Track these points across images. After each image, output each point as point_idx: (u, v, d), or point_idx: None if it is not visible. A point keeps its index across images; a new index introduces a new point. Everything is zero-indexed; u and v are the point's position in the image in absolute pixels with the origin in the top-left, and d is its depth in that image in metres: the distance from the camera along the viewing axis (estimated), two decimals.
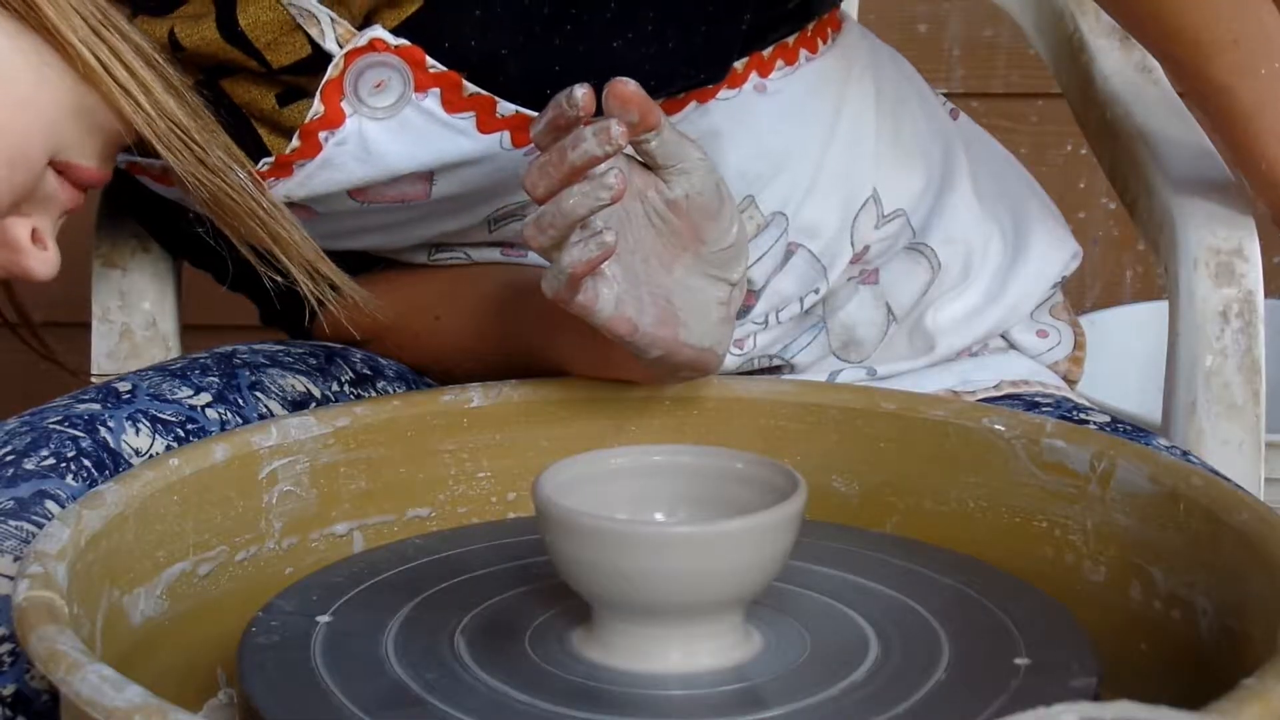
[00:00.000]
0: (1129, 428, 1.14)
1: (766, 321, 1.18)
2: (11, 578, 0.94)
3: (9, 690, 0.95)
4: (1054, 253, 1.25)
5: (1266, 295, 1.27)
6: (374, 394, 1.16)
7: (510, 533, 1.01)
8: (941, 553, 0.98)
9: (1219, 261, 1.26)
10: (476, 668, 0.86)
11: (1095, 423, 1.15)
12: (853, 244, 1.19)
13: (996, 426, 1.01)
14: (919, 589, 0.94)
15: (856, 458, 1.05)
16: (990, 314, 1.23)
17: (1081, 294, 2.04)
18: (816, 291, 1.18)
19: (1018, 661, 0.86)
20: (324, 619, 0.91)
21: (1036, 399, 1.19)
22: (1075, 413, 1.16)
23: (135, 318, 1.28)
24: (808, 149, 1.17)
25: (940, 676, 0.85)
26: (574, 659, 0.87)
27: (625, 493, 0.91)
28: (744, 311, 1.17)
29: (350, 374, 1.17)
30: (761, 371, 1.21)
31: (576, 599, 0.88)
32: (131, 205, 1.25)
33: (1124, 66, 1.42)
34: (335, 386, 1.15)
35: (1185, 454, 1.11)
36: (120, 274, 1.28)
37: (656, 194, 0.99)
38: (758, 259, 1.16)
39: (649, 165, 0.99)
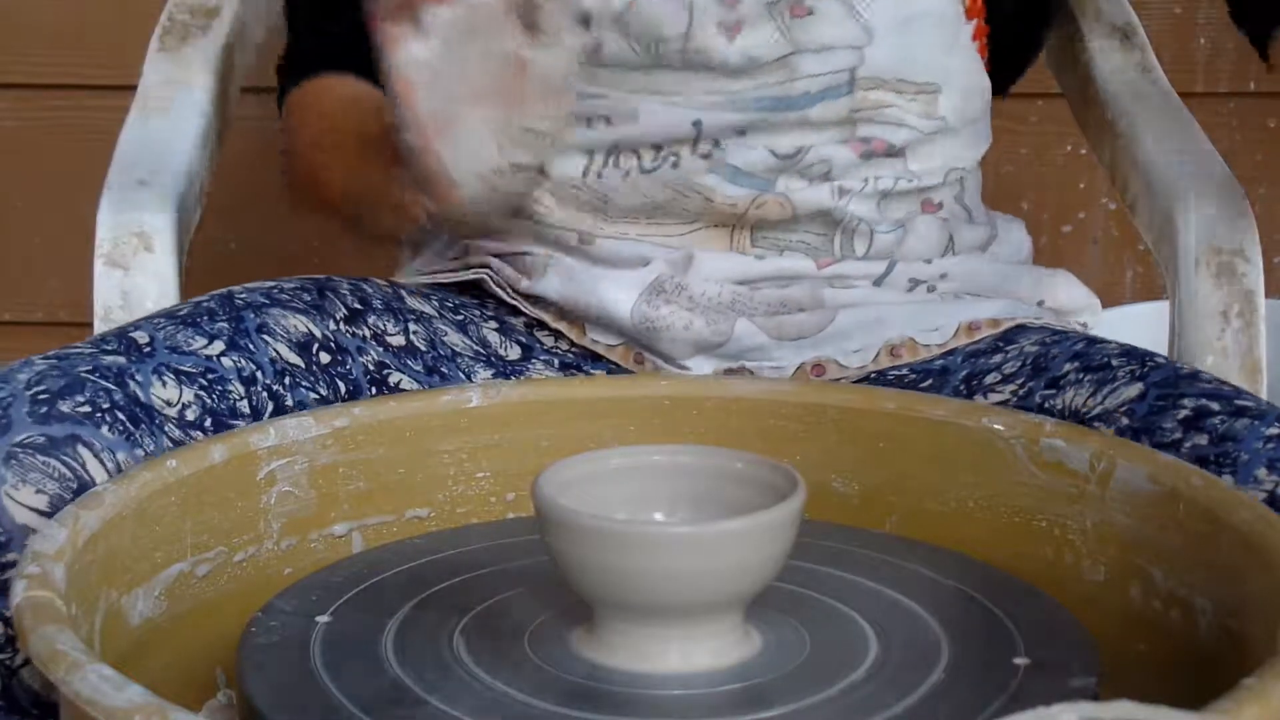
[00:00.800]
0: (1151, 355, 1.16)
1: (864, 189, 1.21)
2: (35, 509, 0.95)
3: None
4: (1078, 292, 1.32)
5: (1266, 295, 1.27)
6: (365, 329, 1.17)
7: (510, 533, 1.01)
8: (941, 553, 0.98)
9: (1219, 261, 1.26)
10: (476, 668, 0.86)
11: (1116, 342, 1.17)
12: (944, 179, 1.25)
13: (996, 426, 1.01)
14: (919, 589, 0.93)
15: (856, 457, 1.05)
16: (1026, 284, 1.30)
17: None
18: (907, 178, 1.23)
19: (1017, 661, 0.86)
20: (323, 619, 0.91)
21: (1066, 330, 1.23)
22: (1098, 339, 1.18)
23: (137, 318, 1.28)
24: (979, 100, 1.25)
25: (940, 676, 0.85)
26: (574, 659, 0.87)
27: (625, 493, 0.91)
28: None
29: (343, 309, 1.18)
30: (844, 232, 1.23)
31: (576, 599, 0.88)
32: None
33: (1124, 66, 1.42)
34: (332, 325, 1.16)
35: (1219, 381, 1.12)
36: (122, 274, 1.28)
37: (514, 45, 1.01)
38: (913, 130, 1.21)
39: (528, 26, 1.01)
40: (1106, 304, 1.94)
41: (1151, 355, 1.14)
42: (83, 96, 1.94)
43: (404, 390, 1.14)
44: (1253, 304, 1.25)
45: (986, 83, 1.28)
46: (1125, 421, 1.06)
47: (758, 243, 1.22)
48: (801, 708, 0.83)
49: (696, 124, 1.20)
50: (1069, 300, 1.31)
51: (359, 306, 1.19)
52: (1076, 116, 1.48)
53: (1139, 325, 1.84)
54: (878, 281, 1.23)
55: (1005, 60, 1.31)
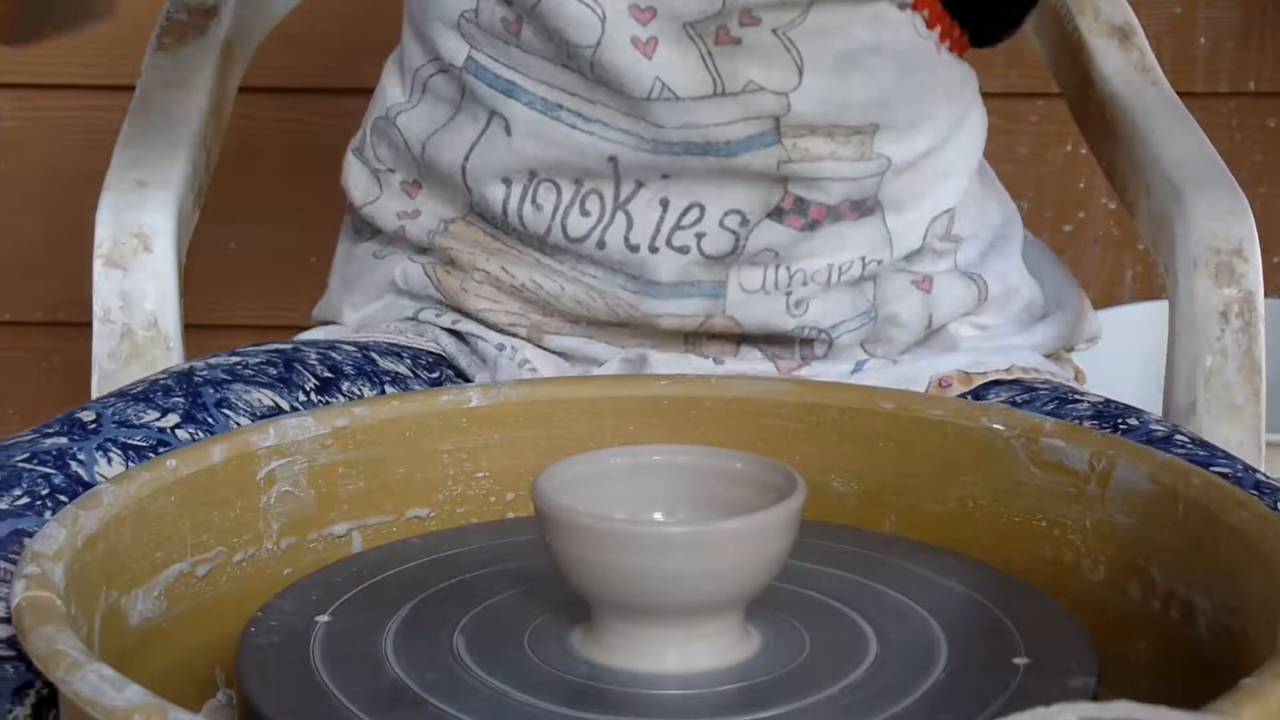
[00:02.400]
0: (1121, 407, 1.15)
1: (829, 280, 1.17)
2: None
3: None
4: (1081, 324, 1.29)
5: (1266, 295, 1.27)
6: (340, 397, 1.16)
7: (510, 533, 1.01)
8: (941, 553, 0.98)
9: (1219, 261, 1.26)
10: (476, 668, 0.86)
11: (1089, 401, 1.15)
12: (924, 238, 1.20)
13: (995, 426, 1.01)
14: (918, 589, 0.93)
15: (855, 457, 1.05)
16: (1010, 341, 1.25)
17: None
18: (879, 262, 1.18)
19: (1017, 661, 0.86)
20: (323, 619, 0.91)
21: (1036, 385, 1.20)
22: (1071, 395, 1.17)
23: (136, 318, 1.28)
24: (939, 126, 1.19)
25: (939, 676, 0.85)
26: (574, 659, 0.87)
27: (625, 493, 0.91)
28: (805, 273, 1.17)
29: (313, 380, 1.16)
30: (803, 343, 1.20)
31: (576, 599, 0.88)
32: None
33: (1124, 66, 1.42)
34: (301, 396, 1.14)
35: (1176, 429, 1.11)
36: (122, 274, 1.28)
37: None
38: (850, 180, 1.16)
39: None
40: (1107, 304, 1.94)
41: (1126, 416, 1.12)
42: (83, 96, 1.95)
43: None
44: (1252, 304, 1.25)
45: (963, 87, 1.23)
46: None
47: (711, 352, 1.20)
48: (801, 708, 0.83)
49: (612, 160, 1.14)
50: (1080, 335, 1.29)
51: (330, 375, 1.17)
52: (1076, 117, 1.48)
53: (1139, 325, 1.85)
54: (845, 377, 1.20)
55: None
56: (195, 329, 1.38)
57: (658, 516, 0.91)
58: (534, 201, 1.17)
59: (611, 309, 1.18)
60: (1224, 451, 1.09)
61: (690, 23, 1.10)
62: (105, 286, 1.29)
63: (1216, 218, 1.27)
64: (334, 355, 1.19)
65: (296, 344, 1.20)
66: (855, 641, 0.88)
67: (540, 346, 1.21)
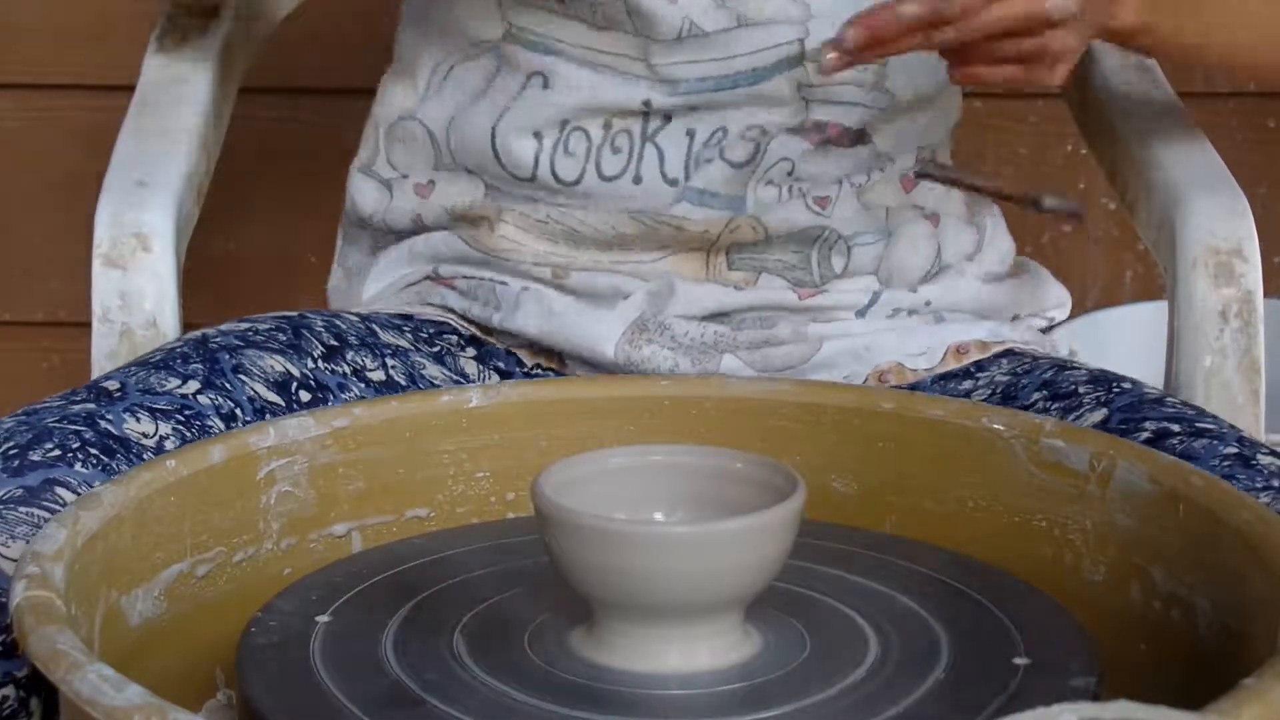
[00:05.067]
0: (1115, 375, 1.16)
1: (840, 192, 1.21)
2: None
3: (23, 673, 0.96)
4: (1055, 293, 1.32)
5: (1266, 295, 1.27)
6: (345, 366, 1.16)
7: (510, 533, 1.01)
8: (941, 553, 0.98)
9: (1218, 261, 1.26)
10: (476, 668, 0.86)
11: (1086, 368, 1.17)
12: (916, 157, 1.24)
13: (995, 426, 1.01)
14: (919, 589, 0.93)
15: (855, 457, 1.05)
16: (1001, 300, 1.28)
17: (1082, 294, 2.03)
18: (881, 170, 1.22)
19: (1017, 661, 0.86)
20: (323, 619, 0.91)
21: (1038, 355, 1.23)
22: (1069, 364, 1.19)
23: (136, 318, 1.28)
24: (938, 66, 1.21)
25: (939, 676, 0.85)
26: (574, 659, 0.87)
27: (625, 493, 0.91)
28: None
29: (320, 347, 1.17)
30: (821, 251, 1.22)
31: (576, 599, 0.88)
32: None
33: (1124, 66, 1.42)
34: (310, 364, 1.15)
35: (1168, 393, 1.13)
36: (121, 274, 1.28)
37: None
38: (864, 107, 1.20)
39: None
40: (1106, 304, 1.94)
41: (1120, 381, 1.15)
42: (83, 96, 1.94)
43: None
44: (1251, 304, 1.25)
45: None
46: None
47: (735, 265, 1.21)
48: (801, 708, 0.83)
49: (646, 103, 1.19)
50: (1050, 301, 1.30)
51: (335, 343, 1.18)
52: (1076, 117, 1.48)
53: (1139, 325, 1.85)
54: (861, 312, 1.22)
55: None
56: (195, 329, 1.38)
57: (658, 516, 0.91)
58: (566, 150, 1.20)
59: (634, 219, 1.20)
60: (1211, 414, 1.10)
61: None
62: (105, 286, 1.29)
63: (1216, 218, 1.27)
64: (339, 324, 1.20)
65: (302, 312, 1.22)
66: (855, 641, 0.88)
67: (563, 288, 1.22)
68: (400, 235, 1.27)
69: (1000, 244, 1.29)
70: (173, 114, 1.38)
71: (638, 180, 1.20)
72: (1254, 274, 1.26)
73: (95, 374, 1.28)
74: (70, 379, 1.20)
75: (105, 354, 1.28)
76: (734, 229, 1.20)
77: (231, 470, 0.98)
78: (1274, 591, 0.83)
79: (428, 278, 1.25)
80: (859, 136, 1.21)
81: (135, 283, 1.28)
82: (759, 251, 1.21)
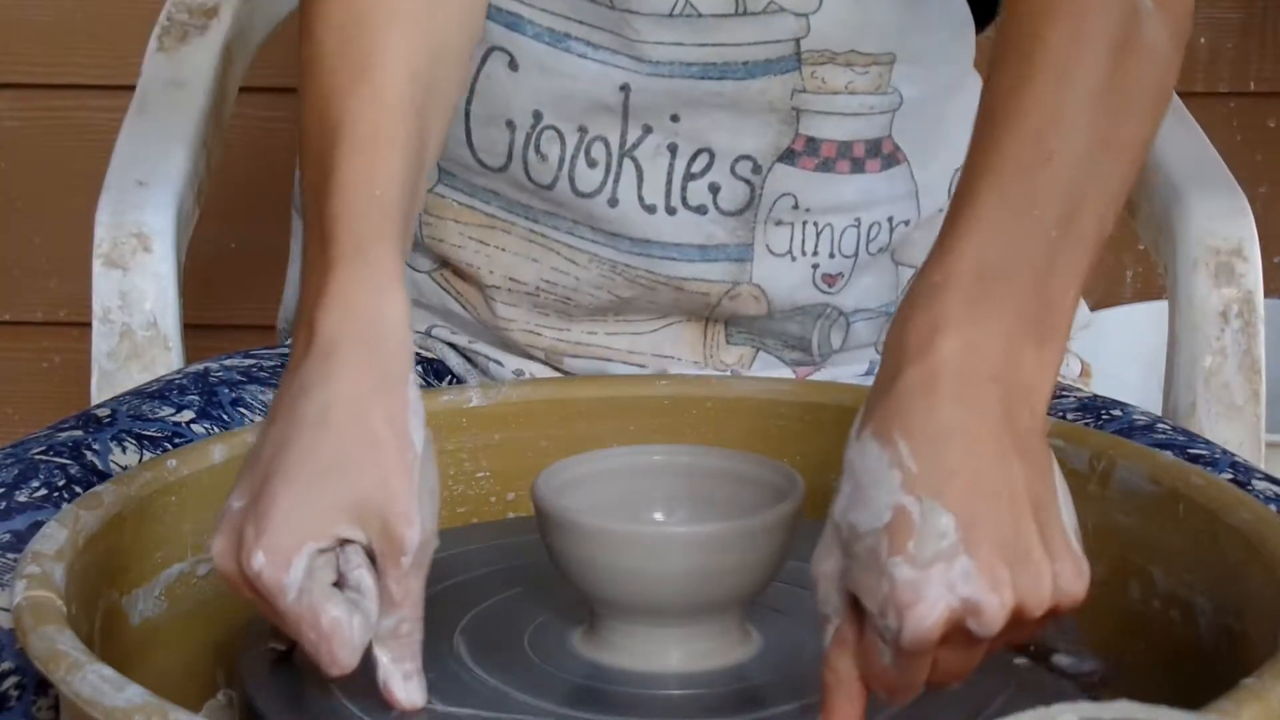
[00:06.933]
0: (1106, 400, 1.14)
1: (857, 247, 1.16)
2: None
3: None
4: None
5: (1266, 295, 1.27)
6: None
7: (510, 533, 1.01)
8: None
9: (1218, 261, 1.26)
10: (476, 668, 0.86)
11: (1076, 396, 1.15)
12: (949, 191, 1.18)
13: None
14: None
15: None
16: None
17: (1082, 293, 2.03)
18: (906, 223, 1.17)
19: (1018, 661, 0.86)
20: None
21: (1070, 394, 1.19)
22: (1058, 390, 1.15)
23: (136, 318, 1.28)
24: (950, 71, 1.20)
25: None
26: (574, 659, 0.87)
27: (625, 493, 0.91)
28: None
29: None
30: (820, 329, 1.18)
31: (576, 599, 0.88)
32: None
33: None
34: None
35: (1158, 419, 1.12)
36: (121, 274, 1.28)
37: None
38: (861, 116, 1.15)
39: None
40: (1106, 304, 1.94)
41: (1111, 408, 1.12)
42: (83, 96, 1.95)
43: None
44: (1251, 304, 1.26)
45: (966, 34, 1.21)
46: None
47: (733, 339, 1.17)
48: (801, 707, 0.83)
49: (624, 89, 1.11)
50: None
51: None
52: None
53: (1139, 325, 1.85)
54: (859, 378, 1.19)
55: None
56: (195, 329, 1.38)
57: (658, 516, 0.91)
58: (538, 150, 1.14)
59: (632, 281, 1.15)
60: (1204, 438, 1.09)
61: None
62: (105, 286, 1.29)
63: (1216, 218, 1.27)
64: None
65: None
66: None
67: (558, 370, 1.19)
68: None
69: None
70: (173, 114, 1.38)
71: (613, 203, 1.14)
72: (1254, 274, 1.26)
73: (95, 374, 1.28)
74: (70, 379, 1.20)
75: (105, 354, 1.28)
76: (734, 296, 1.15)
77: (232, 470, 0.97)
78: (1274, 591, 0.83)
79: (419, 333, 1.22)
80: (877, 152, 1.16)
81: (135, 283, 1.29)
82: (760, 326, 1.17)
